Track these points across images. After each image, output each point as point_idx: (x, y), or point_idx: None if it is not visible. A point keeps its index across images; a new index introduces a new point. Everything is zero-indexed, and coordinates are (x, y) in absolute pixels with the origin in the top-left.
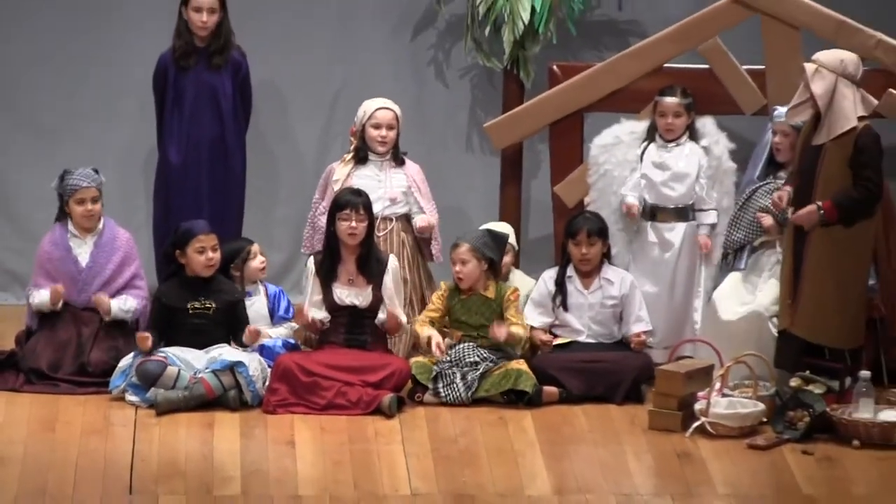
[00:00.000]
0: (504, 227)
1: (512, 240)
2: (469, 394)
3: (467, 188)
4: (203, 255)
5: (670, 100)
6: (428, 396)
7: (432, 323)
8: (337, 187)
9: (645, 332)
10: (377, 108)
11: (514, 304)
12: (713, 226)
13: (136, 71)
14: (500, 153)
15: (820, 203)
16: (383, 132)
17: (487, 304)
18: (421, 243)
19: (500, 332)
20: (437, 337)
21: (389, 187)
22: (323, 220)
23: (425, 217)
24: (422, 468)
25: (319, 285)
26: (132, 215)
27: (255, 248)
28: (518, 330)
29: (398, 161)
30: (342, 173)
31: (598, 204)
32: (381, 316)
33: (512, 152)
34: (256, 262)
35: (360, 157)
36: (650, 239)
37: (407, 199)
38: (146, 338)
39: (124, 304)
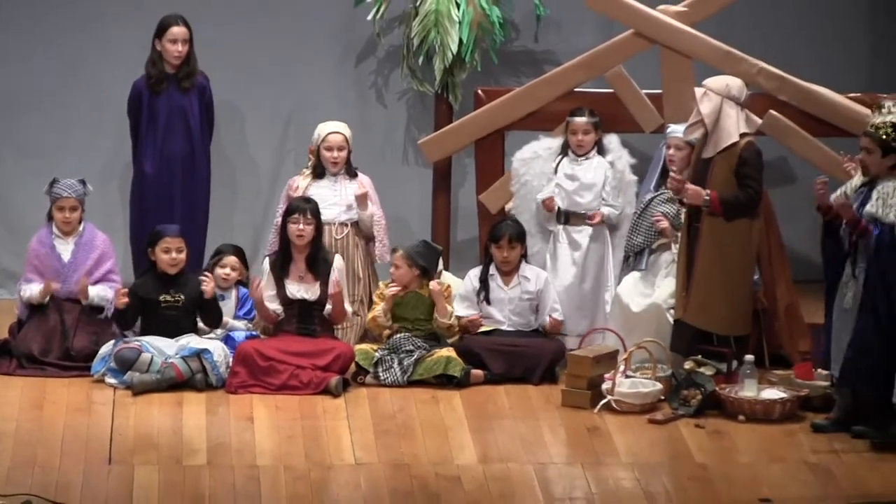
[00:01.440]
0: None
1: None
2: (405, 377)
3: (404, 197)
4: (168, 254)
5: (580, 119)
6: (370, 379)
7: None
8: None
9: (558, 320)
10: (329, 133)
11: (448, 298)
12: (609, 215)
13: (114, 94)
14: (433, 166)
15: (709, 191)
16: (335, 153)
17: (422, 300)
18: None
19: (443, 314)
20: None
21: (344, 195)
22: None
23: (365, 209)
24: (364, 441)
25: (274, 282)
26: (110, 220)
27: (228, 259)
28: (448, 321)
29: (351, 174)
30: (302, 185)
31: (519, 210)
32: (329, 308)
33: (442, 165)
34: (220, 270)
35: (318, 173)
36: (562, 240)
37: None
38: (124, 293)
39: (101, 292)
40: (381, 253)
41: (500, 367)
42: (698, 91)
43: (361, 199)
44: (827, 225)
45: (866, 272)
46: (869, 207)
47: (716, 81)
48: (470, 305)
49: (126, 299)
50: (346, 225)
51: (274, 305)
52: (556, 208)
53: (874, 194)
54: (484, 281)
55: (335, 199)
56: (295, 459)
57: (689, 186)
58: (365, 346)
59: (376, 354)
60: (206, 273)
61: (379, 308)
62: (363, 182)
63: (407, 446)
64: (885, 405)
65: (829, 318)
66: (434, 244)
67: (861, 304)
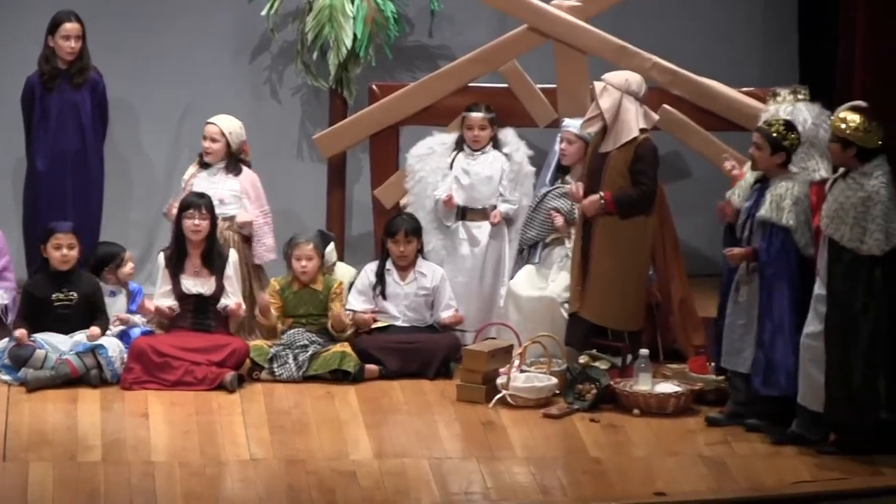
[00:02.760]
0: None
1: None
2: (300, 373)
3: (298, 193)
4: (59, 251)
5: (476, 115)
6: (265, 375)
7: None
8: (183, 185)
9: (459, 316)
10: (206, 123)
11: (339, 296)
12: (507, 212)
13: (7, 90)
14: (327, 161)
15: (602, 194)
16: (207, 143)
17: (315, 296)
18: (246, 242)
19: (340, 316)
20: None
21: (220, 190)
22: None
23: (243, 214)
24: (259, 437)
25: (168, 277)
26: (4, 217)
27: (127, 255)
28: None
29: (230, 169)
30: (188, 174)
31: (414, 206)
32: (224, 302)
33: (337, 160)
34: (127, 268)
35: (203, 163)
36: (461, 236)
37: (238, 202)
38: (23, 335)
39: None
40: (259, 253)
41: (395, 364)
42: (598, 85)
43: (243, 226)
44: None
45: (761, 273)
46: (763, 212)
47: (615, 76)
48: (366, 300)
49: (26, 339)
50: (219, 218)
51: (169, 301)
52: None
53: (767, 196)
54: (380, 275)
55: (212, 191)
56: (190, 455)
57: (584, 201)
58: (259, 342)
59: (271, 350)
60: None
61: (256, 311)
62: (246, 186)
63: (302, 442)
64: (780, 401)
65: (722, 311)
66: (327, 232)
67: (760, 305)
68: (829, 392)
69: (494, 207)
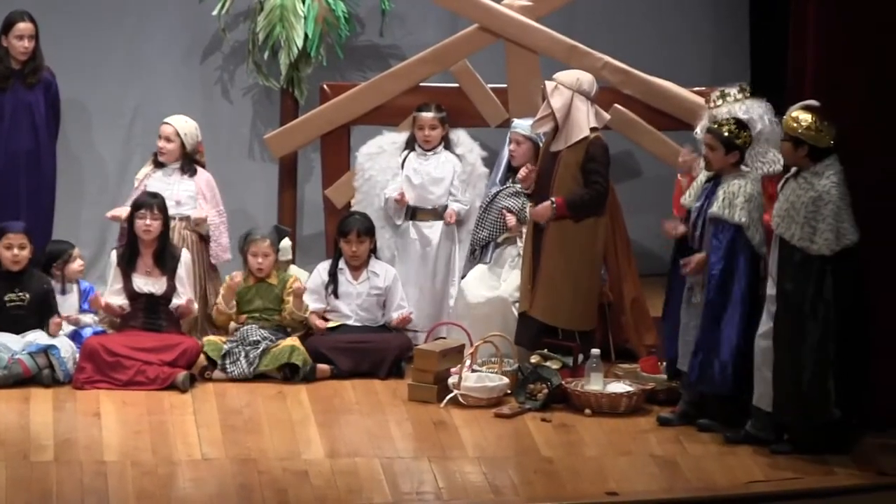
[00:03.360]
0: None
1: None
2: (252, 369)
3: (250, 192)
4: (10, 251)
5: (427, 114)
6: (217, 373)
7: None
8: (136, 184)
9: (408, 316)
10: (162, 123)
11: (295, 290)
12: (459, 212)
13: None
14: (279, 161)
15: (553, 199)
16: (162, 143)
17: (271, 290)
18: (204, 242)
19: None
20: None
21: (177, 191)
22: None
23: (198, 210)
24: (211, 436)
25: (121, 275)
26: None
27: (75, 251)
28: (300, 316)
29: (186, 170)
30: (142, 174)
31: (362, 205)
32: (176, 302)
33: (288, 160)
34: (76, 264)
35: (157, 163)
36: (412, 236)
37: (194, 203)
38: None
39: None
40: (216, 252)
41: (347, 364)
42: (549, 85)
43: (199, 223)
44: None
45: (711, 269)
46: (715, 209)
47: (567, 75)
48: (318, 299)
49: None
50: (175, 219)
51: (120, 300)
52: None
53: (720, 193)
54: (333, 275)
55: (167, 192)
56: (142, 455)
57: (535, 209)
58: (214, 338)
59: (225, 346)
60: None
61: (219, 297)
62: (202, 187)
63: (254, 441)
64: (730, 401)
65: (668, 309)
66: (283, 226)
67: (707, 301)
68: (778, 391)
69: (445, 208)
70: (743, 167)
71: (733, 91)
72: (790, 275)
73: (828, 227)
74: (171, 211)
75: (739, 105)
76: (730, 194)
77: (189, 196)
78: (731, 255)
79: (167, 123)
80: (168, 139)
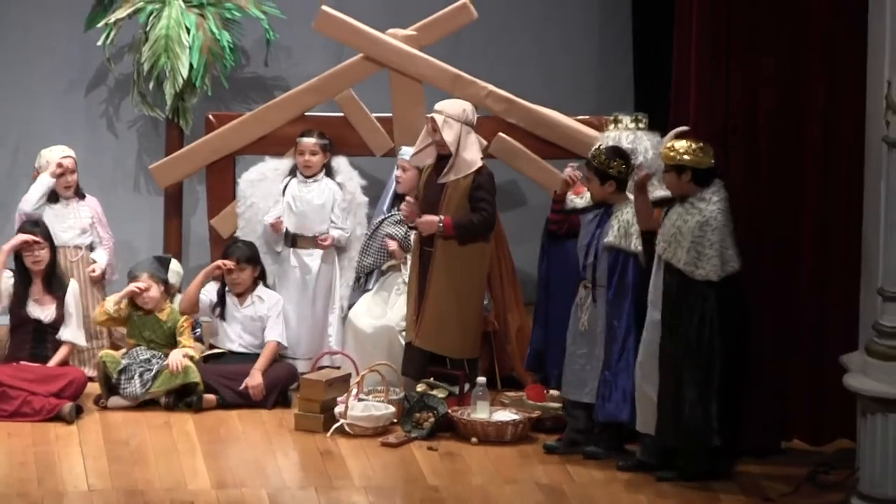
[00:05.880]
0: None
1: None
2: (144, 390)
3: (135, 224)
4: None
5: (308, 140)
6: (112, 400)
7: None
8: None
9: (277, 343)
10: (63, 156)
11: (187, 330)
12: (339, 238)
13: None
14: (164, 192)
15: (441, 217)
16: (68, 178)
17: (160, 325)
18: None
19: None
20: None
21: (78, 218)
22: None
23: (99, 262)
24: (97, 467)
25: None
26: None
27: None
28: (192, 352)
29: (80, 196)
30: (35, 205)
31: (245, 231)
32: (62, 333)
33: (174, 191)
34: None
35: (53, 197)
36: (292, 263)
37: (92, 230)
38: None
39: None
40: (110, 276)
41: (232, 394)
42: (438, 118)
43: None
44: (551, 234)
45: (606, 299)
46: (611, 238)
47: (452, 107)
48: (207, 318)
49: None
50: (80, 248)
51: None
52: (285, 230)
53: (614, 223)
54: (221, 296)
55: (71, 221)
56: (28, 486)
57: (422, 219)
58: (112, 352)
59: (122, 362)
60: None
61: (110, 299)
62: (97, 210)
63: (140, 472)
64: (617, 428)
65: (537, 326)
66: (164, 255)
67: (607, 330)
68: (660, 417)
69: (326, 234)
70: (629, 195)
71: (626, 119)
72: (674, 301)
73: (714, 253)
74: (77, 240)
75: (627, 134)
76: (624, 223)
77: (89, 223)
78: (629, 284)
79: (69, 157)
80: (72, 171)
